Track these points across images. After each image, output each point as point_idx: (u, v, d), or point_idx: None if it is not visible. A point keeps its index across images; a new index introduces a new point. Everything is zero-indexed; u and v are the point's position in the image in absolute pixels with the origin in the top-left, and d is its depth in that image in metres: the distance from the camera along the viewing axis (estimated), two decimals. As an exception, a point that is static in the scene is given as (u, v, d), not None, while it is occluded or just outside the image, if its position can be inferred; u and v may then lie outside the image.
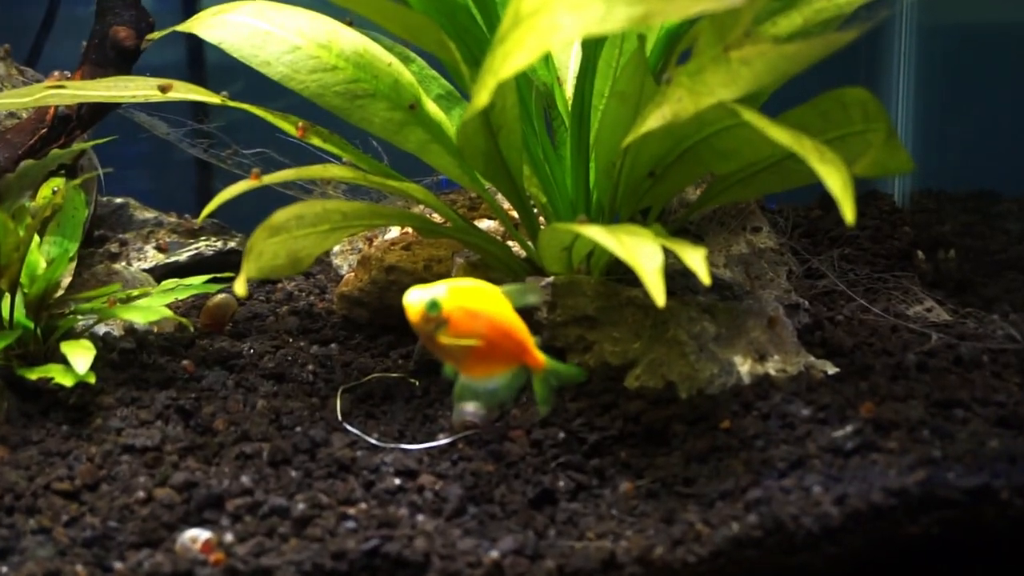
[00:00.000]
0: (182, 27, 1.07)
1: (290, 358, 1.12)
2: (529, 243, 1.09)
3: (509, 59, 0.71)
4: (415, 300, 0.79)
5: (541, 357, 0.83)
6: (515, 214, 1.09)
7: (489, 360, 0.80)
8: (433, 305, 0.78)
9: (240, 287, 0.80)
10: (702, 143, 0.92)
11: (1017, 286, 1.33)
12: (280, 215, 0.84)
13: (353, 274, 1.15)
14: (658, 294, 0.73)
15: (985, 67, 1.44)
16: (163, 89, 0.94)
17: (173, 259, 1.29)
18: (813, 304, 1.23)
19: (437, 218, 1.09)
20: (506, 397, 0.83)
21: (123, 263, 1.22)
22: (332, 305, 1.25)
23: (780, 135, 0.76)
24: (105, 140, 1.24)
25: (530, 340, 0.84)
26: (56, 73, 1.11)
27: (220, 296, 1.16)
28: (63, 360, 0.95)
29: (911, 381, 1.05)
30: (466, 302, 0.79)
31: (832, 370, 1.06)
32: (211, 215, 0.95)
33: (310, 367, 1.08)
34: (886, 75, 1.58)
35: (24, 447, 0.92)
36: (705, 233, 1.16)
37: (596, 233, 0.78)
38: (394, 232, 1.17)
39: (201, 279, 1.06)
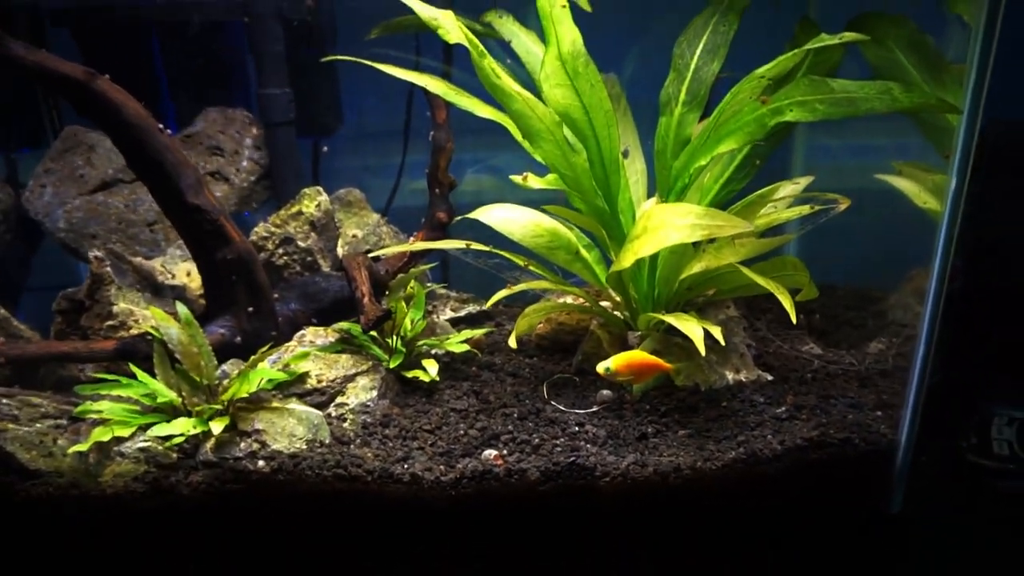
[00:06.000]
0: (474, 214, 1.65)
1: (516, 365, 1.72)
2: (628, 315, 1.68)
3: (642, 249, 1.34)
4: (601, 367, 1.43)
5: (668, 366, 1.45)
6: (620, 300, 1.69)
7: (642, 377, 1.45)
8: (607, 369, 1.44)
9: (512, 342, 1.57)
10: (716, 276, 1.55)
11: (851, 336, 1.82)
12: (528, 309, 1.60)
13: (543, 326, 1.80)
14: (701, 348, 1.36)
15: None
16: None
17: (457, 315, 1.90)
18: (757, 345, 1.73)
19: (584, 303, 1.71)
20: (639, 390, 1.52)
21: (436, 317, 1.81)
22: (532, 339, 1.82)
23: (761, 280, 1.39)
24: (430, 266, 1.86)
25: (660, 362, 1.44)
26: (411, 239, 1.79)
27: (480, 336, 1.77)
28: (422, 368, 1.60)
29: (808, 384, 1.59)
30: (623, 363, 1.42)
31: (769, 378, 1.61)
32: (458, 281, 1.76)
33: (526, 370, 1.69)
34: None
35: (406, 408, 1.55)
36: (707, 309, 1.67)
37: (668, 318, 1.46)
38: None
39: (481, 331, 1.76)
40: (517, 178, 1.57)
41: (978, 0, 1.12)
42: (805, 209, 1.49)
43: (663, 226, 1.32)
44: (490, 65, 1.39)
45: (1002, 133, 2.16)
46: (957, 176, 1.19)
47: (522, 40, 1.65)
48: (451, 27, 1.39)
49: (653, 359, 1.46)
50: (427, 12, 1.42)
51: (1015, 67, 1.55)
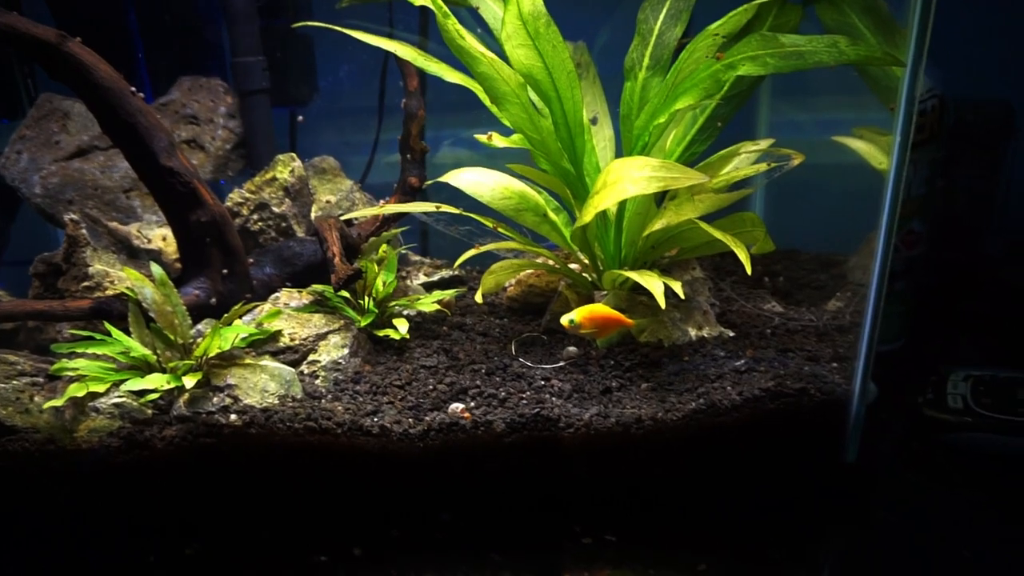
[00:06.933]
0: (444, 178, 1.67)
1: (487, 325, 1.77)
2: (595, 276, 1.74)
3: (601, 203, 1.39)
4: (565, 319, 1.48)
5: (630, 321, 1.49)
6: (587, 261, 1.75)
7: (605, 331, 1.49)
8: (571, 321, 1.49)
9: (478, 297, 1.64)
10: (678, 234, 1.60)
11: (813, 296, 1.89)
12: (494, 266, 1.65)
13: (513, 287, 1.85)
14: (661, 302, 1.40)
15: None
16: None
17: (430, 280, 1.93)
18: (721, 304, 1.79)
19: (552, 263, 1.76)
20: (603, 344, 1.55)
21: (410, 281, 1.86)
22: (503, 301, 1.88)
23: (717, 233, 1.44)
24: (402, 230, 1.90)
25: (622, 317, 1.49)
26: (382, 201, 1.84)
27: (451, 297, 1.83)
28: (393, 327, 1.66)
29: (768, 339, 1.65)
30: (585, 315, 1.47)
31: (731, 334, 1.66)
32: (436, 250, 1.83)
33: (496, 329, 1.75)
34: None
35: (377, 366, 1.61)
36: (672, 270, 1.71)
37: (630, 274, 1.50)
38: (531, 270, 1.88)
39: (451, 292, 1.81)
40: (482, 137, 1.61)
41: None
42: (762, 166, 1.53)
43: (621, 180, 1.36)
44: (454, 26, 1.42)
45: (970, 110, 2.22)
46: (902, 128, 1.23)
47: (489, 5, 1.68)
48: (416, -12, 1.42)
49: (615, 313, 1.50)
50: (393, -27, 1.44)
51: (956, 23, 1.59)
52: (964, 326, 2.14)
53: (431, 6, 1.43)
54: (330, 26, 1.59)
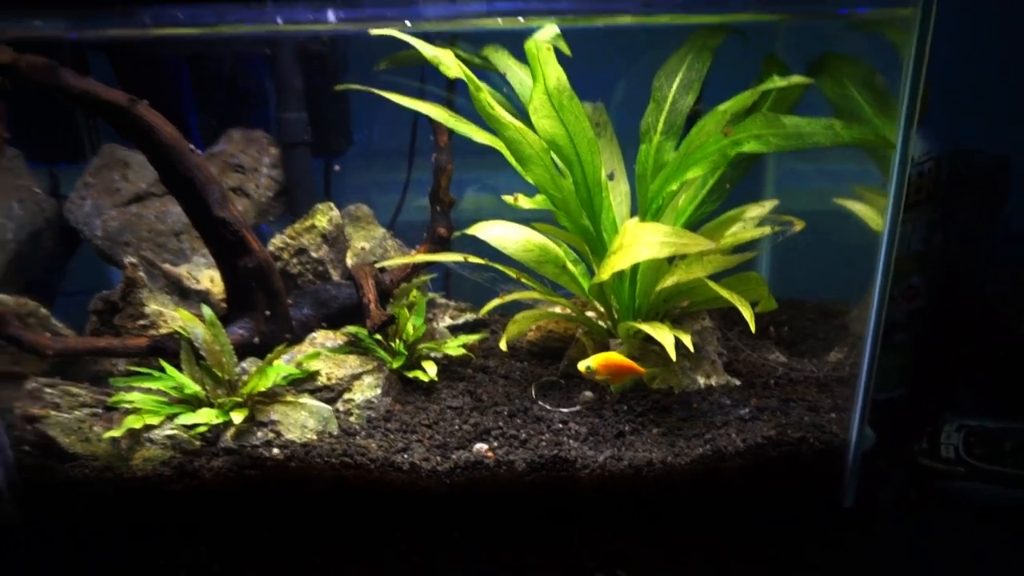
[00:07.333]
0: (471, 230, 1.78)
1: (508, 368, 1.86)
2: (611, 324, 1.83)
3: (617, 264, 1.49)
4: (582, 365, 1.58)
5: (642, 369, 1.58)
6: (603, 310, 1.84)
7: (619, 378, 1.59)
8: (587, 367, 1.58)
9: (502, 345, 1.77)
10: (688, 289, 1.70)
11: (815, 347, 1.94)
12: (517, 316, 1.77)
13: (533, 332, 1.97)
14: (672, 354, 1.49)
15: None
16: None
17: (455, 323, 2.05)
18: (728, 353, 1.86)
19: (571, 313, 1.87)
20: (617, 390, 1.65)
21: (436, 324, 1.97)
22: (523, 345, 1.97)
23: (724, 293, 1.53)
24: (430, 277, 2.02)
25: (635, 365, 1.57)
26: (413, 251, 1.97)
27: (476, 341, 1.92)
28: (422, 369, 1.76)
29: (771, 389, 1.73)
30: (601, 362, 1.56)
31: (737, 383, 1.73)
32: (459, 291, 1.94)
33: (517, 372, 1.84)
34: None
35: (406, 405, 1.70)
36: (683, 320, 1.80)
37: (644, 327, 1.60)
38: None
39: (476, 336, 1.91)
40: (509, 198, 1.74)
41: (907, 42, 1.28)
42: (767, 229, 1.65)
43: (636, 243, 1.48)
44: (486, 98, 1.56)
45: (963, 163, 2.34)
46: (893, 201, 1.35)
47: (515, 72, 1.83)
48: (451, 64, 1.56)
49: (628, 361, 1.62)
50: (430, 51, 1.59)
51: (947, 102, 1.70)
52: (963, 375, 2.22)
53: (464, 79, 1.57)
54: (368, 89, 1.73)
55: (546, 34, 1.52)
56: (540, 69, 1.48)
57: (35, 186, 1.98)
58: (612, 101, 2.13)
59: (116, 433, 1.56)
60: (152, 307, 1.76)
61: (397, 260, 1.90)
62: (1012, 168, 2.36)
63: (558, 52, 1.50)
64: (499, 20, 1.52)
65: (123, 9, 1.29)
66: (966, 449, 1.70)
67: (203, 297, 1.88)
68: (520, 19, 1.51)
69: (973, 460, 1.66)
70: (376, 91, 1.67)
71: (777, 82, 1.40)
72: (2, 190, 1.78)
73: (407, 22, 1.54)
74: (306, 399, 1.66)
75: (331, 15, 1.38)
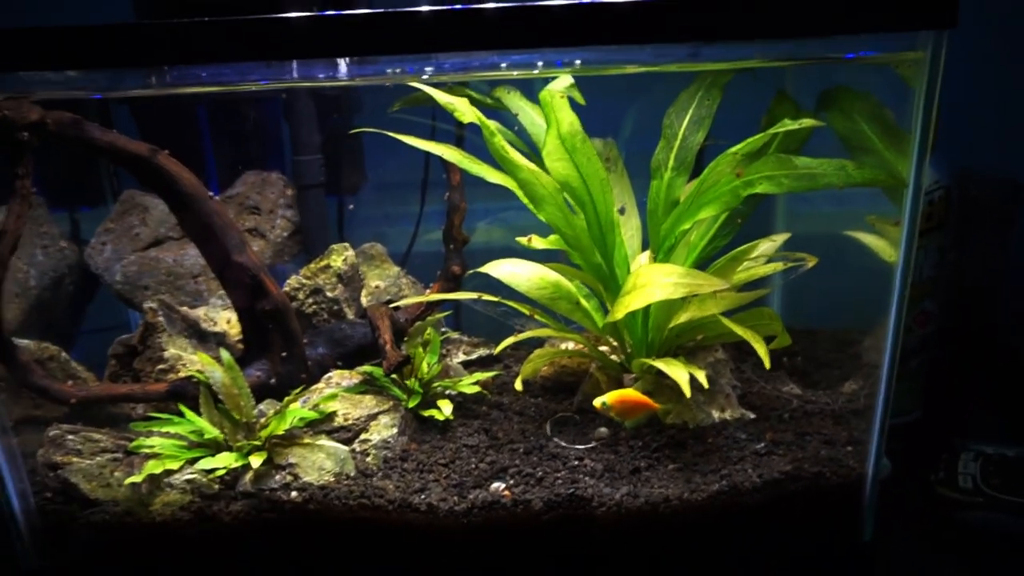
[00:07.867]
0: (484, 268, 1.79)
1: (523, 404, 1.85)
2: (624, 359, 1.83)
3: (631, 304, 1.51)
4: (597, 402, 1.60)
5: (657, 405, 1.61)
6: (617, 345, 1.86)
7: (634, 414, 1.61)
8: (603, 403, 1.60)
9: (518, 385, 1.80)
10: (701, 325, 1.70)
11: (829, 377, 1.95)
12: (532, 355, 1.81)
13: (547, 368, 1.97)
14: (686, 390, 1.47)
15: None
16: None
17: (468, 359, 2.07)
18: (742, 386, 1.87)
19: (584, 350, 1.88)
20: (632, 425, 1.67)
21: (450, 360, 1.99)
22: (537, 380, 1.96)
23: (738, 329, 1.53)
24: (444, 315, 2.03)
25: (649, 401, 1.60)
26: (427, 291, 1.98)
27: (490, 378, 1.93)
28: (437, 407, 1.75)
29: (786, 422, 1.71)
30: (616, 398, 1.59)
31: (752, 416, 1.73)
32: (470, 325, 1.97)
33: (532, 409, 1.82)
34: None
35: (422, 444, 1.70)
36: (697, 352, 1.80)
37: (658, 363, 1.60)
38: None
39: (490, 373, 1.93)
40: (523, 240, 1.77)
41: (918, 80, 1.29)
42: (779, 266, 1.66)
43: (649, 284, 1.50)
44: (500, 143, 1.59)
45: (974, 189, 2.35)
46: (906, 240, 1.36)
47: (528, 113, 1.86)
48: (465, 110, 1.60)
49: (643, 397, 1.63)
50: (444, 98, 1.63)
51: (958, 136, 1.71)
52: (977, 398, 2.22)
53: (478, 123, 1.60)
54: (382, 131, 1.76)
55: (560, 84, 1.55)
56: (554, 115, 1.51)
57: (58, 234, 2.02)
58: (621, 135, 2.16)
59: (137, 479, 1.58)
60: (171, 351, 1.79)
61: (412, 300, 1.92)
62: (1022, 192, 2.38)
63: (571, 100, 1.53)
64: (514, 73, 1.55)
65: (147, 71, 1.32)
66: (984, 479, 1.70)
67: (220, 339, 1.91)
68: (535, 71, 1.54)
69: (991, 491, 1.66)
70: (391, 134, 1.71)
71: (788, 125, 1.42)
72: (26, 238, 1.82)
73: (424, 76, 1.57)
74: (323, 440, 1.68)
75: (343, 66, 1.41)
